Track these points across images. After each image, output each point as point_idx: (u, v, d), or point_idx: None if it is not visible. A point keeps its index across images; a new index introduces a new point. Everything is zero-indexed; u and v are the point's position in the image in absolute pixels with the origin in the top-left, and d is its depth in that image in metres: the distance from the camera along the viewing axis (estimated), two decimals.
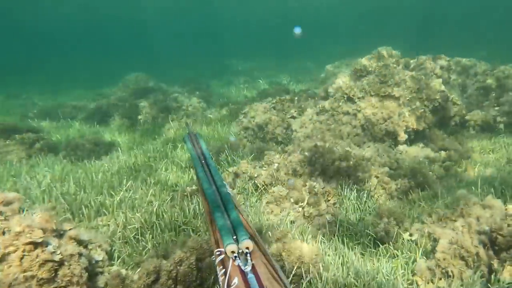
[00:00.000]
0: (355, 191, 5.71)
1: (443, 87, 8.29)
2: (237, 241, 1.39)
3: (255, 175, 6.03)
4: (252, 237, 1.46)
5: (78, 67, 30.41)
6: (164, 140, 8.80)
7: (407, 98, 7.70)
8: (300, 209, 4.79)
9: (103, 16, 49.98)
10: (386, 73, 7.91)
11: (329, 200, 4.94)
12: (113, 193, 5.51)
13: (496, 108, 8.31)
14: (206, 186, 1.81)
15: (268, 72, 22.21)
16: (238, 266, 1.31)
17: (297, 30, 11.20)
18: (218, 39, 56.32)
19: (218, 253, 1.41)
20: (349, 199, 5.50)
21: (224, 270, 1.33)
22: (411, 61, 8.92)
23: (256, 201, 5.56)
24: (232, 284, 1.23)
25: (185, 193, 5.78)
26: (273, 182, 5.84)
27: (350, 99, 7.91)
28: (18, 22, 48.46)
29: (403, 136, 7.59)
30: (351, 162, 6.12)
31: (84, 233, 3.58)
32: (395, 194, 6.05)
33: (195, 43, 56.63)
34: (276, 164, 5.98)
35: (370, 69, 8.80)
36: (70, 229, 3.44)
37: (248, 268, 1.29)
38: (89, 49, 45.70)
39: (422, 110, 7.65)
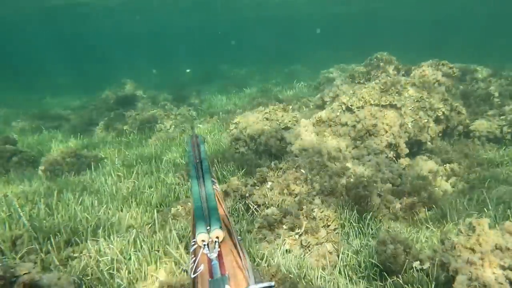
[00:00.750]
0: (355, 211, 5.19)
1: (446, 95, 7.83)
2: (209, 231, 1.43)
3: (247, 194, 5.51)
4: (226, 228, 1.51)
5: (68, 73, 29.73)
6: (149, 153, 8.23)
7: (410, 108, 7.22)
8: (297, 236, 4.26)
9: (93, 20, 49.27)
10: (387, 81, 7.43)
11: (329, 226, 4.42)
12: (88, 217, 4.94)
13: (502, 117, 7.86)
14: (193, 180, 1.84)
15: (259, 78, 21.74)
16: (207, 254, 1.35)
17: None
18: (210, 43, 55.92)
19: (192, 243, 1.46)
20: (349, 221, 4.98)
21: (194, 258, 1.39)
22: (412, 67, 8.47)
23: (248, 225, 5.03)
24: (198, 270, 1.29)
25: (169, 215, 5.24)
26: (266, 203, 5.31)
27: (348, 109, 7.41)
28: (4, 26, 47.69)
29: (405, 149, 7.11)
30: (352, 179, 5.61)
31: (42, 277, 3.02)
32: (400, 214, 5.54)
33: (186, 46, 56.18)
34: (270, 183, 5.45)
35: (369, 76, 8.34)
36: (25, 273, 2.88)
37: (213, 255, 1.33)
38: (78, 55, 44.98)
39: (426, 120, 7.17)
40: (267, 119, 8.26)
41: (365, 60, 11.54)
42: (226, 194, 5.75)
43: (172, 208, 5.24)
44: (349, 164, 5.94)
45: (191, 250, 1.48)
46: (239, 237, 1.61)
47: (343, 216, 4.96)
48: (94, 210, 5.14)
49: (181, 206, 5.27)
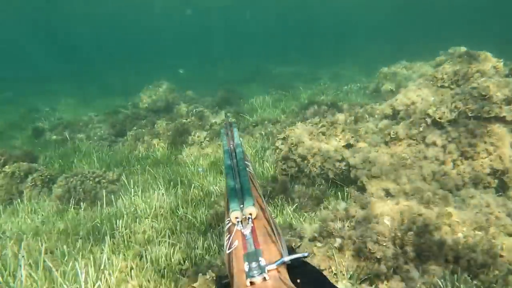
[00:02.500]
0: None
1: None
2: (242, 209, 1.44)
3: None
4: (259, 206, 1.51)
5: (108, 74, 29.20)
6: (175, 178, 6.73)
7: None
8: None
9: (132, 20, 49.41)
10: (489, 85, 5.50)
11: None
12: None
13: None
14: (226, 161, 1.83)
15: (306, 78, 19.94)
16: (240, 230, 1.36)
17: None
18: (256, 40, 54.52)
19: (227, 221, 1.50)
20: None
21: (229, 235, 1.42)
22: None
23: None
24: (233, 246, 1.33)
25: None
26: (334, 269, 3.64)
27: (435, 123, 5.56)
28: (51, 30, 48.86)
29: None
30: (461, 236, 3.81)
31: None
32: None
33: (230, 44, 55.26)
34: (339, 240, 3.76)
35: (456, 77, 6.43)
36: None
37: (247, 231, 1.34)
38: (119, 54, 44.82)
39: None
40: (323, 134, 6.54)
41: (440, 56, 9.53)
42: None
43: (199, 278, 3.67)
44: (450, 209, 4.11)
45: (225, 228, 1.49)
46: (272, 215, 1.64)
47: None
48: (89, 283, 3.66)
49: (215, 273, 3.69)
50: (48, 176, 7.81)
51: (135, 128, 9.83)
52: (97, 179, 7.13)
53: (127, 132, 10.06)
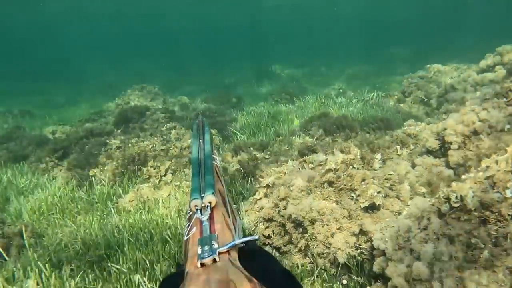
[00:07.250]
0: None
1: None
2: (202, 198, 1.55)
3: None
4: (220, 196, 1.65)
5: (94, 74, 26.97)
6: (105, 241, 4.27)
7: None
8: None
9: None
10: None
11: None
12: None
13: None
14: (194, 154, 1.94)
15: (317, 80, 17.46)
16: (199, 217, 1.47)
17: None
18: (261, 39, 52.27)
19: (188, 211, 1.60)
20: None
21: (188, 223, 1.51)
22: None
23: None
24: (190, 233, 1.41)
25: None
26: None
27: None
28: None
29: None
30: None
31: None
32: None
33: (234, 42, 53.03)
34: None
35: None
36: None
37: (204, 218, 1.45)
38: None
39: None
40: (330, 184, 4.00)
41: (487, 59, 6.93)
42: None
43: None
44: None
45: (187, 217, 1.60)
46: (234, 205, 1.74)
47: None
48: None
49: None
50: None
51: (75, 153, 7.37)
52: None
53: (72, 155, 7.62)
